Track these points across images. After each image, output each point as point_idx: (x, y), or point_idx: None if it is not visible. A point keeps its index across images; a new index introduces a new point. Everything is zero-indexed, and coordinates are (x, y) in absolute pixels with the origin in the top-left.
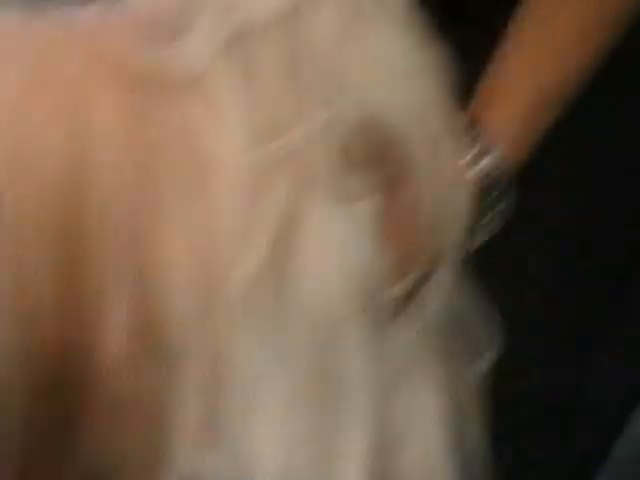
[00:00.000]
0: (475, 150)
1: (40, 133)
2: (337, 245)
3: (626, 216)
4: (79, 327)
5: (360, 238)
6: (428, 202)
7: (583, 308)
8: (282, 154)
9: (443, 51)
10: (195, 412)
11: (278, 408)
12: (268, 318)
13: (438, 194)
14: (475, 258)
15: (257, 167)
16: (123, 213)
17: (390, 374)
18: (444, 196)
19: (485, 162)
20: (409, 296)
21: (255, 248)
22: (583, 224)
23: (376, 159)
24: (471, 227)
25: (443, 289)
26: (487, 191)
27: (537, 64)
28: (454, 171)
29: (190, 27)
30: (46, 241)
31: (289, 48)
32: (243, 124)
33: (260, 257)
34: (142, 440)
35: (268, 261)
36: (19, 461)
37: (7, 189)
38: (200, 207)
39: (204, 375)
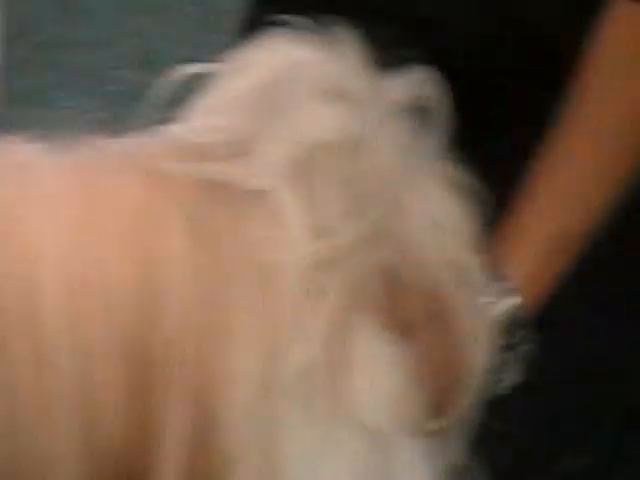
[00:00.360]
0: (499, 289)
1: (104, 262)
2: (385, 365)
3: None
4: (142, 441)
5: (403, 367)
6: (464, 343)
7: None
8: (335, 260)
9: (472, 171)
10: None
11: None
12: (321, 418)
13: (472, 335)
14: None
15: (314, 270)
16: (190, 336)
17: None
18: (477, 337)
19: (508, 301)
20: (440, 431)
21: (309, 343)
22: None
23: (413, 300)
24: (495, 368)
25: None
26: (509, 331)
27: (560, 207)
28: (482, 310)
29: (255, 146)
30: (113, 362)
31: (350, 170)
32: (305, 236)
33: (313, 352)
34: None
35: (321, 358)
36: None
37: (77, 315)
38: (263, 317)
39: (259, 475)
